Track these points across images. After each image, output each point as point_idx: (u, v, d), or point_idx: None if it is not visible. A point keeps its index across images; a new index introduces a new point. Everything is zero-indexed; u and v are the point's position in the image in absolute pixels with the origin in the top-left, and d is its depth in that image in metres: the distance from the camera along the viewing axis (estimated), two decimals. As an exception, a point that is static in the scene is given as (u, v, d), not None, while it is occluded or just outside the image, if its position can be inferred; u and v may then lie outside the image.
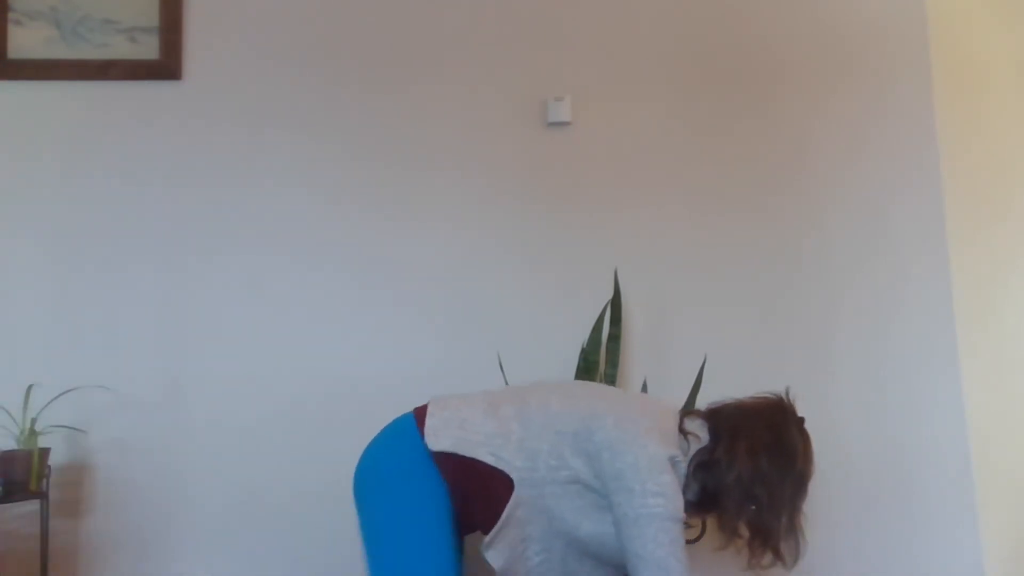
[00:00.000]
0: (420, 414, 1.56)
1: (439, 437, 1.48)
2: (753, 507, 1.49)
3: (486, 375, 2.10)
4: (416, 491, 1.49)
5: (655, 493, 1.41)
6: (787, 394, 1.60)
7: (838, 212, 2.27)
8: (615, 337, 2.07)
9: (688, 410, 1.64)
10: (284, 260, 2.21)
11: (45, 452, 1.92)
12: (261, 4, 2.30)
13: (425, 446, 1.49)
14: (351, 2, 2.31)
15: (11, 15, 2.22)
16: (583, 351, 2.09)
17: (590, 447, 1.45)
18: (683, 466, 1.49)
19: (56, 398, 2.02)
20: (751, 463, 1.48)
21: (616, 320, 2.08)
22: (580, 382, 1.78)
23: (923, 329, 2.21)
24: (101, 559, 2.06)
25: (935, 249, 2.23)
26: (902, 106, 2.30)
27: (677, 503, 1.42)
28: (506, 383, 2.04)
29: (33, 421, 1.93)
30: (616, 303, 2.10)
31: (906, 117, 2.29)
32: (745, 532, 1.52)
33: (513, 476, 1.45)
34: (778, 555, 1.52)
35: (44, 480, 1.90)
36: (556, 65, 2.31)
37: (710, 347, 2.12)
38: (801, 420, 1.59)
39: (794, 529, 1.52)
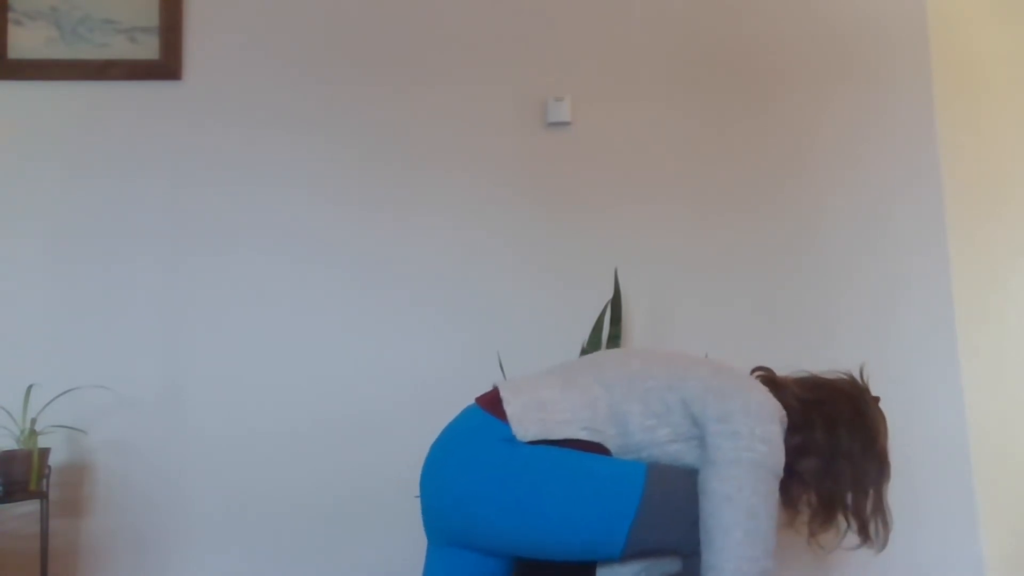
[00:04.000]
0: (491, 403, 1.40)
1: (525, 425, 1.32)
2: (837, 485, 1.45)
3: (486, 375, 2.10)
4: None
5: (763, 439, 1.29)
6: (861, 373, 1.59)
7: (838, 212, 2.27)
8: (615, 337, 2.07)
9: (763, 373, 1.56)
10: (284, 260, 2.21)
11: (45, 452, 1.92)
12: (261, 4, 2.30)
13: (514, 436, 1.32)
14: (351, 2, 2.31)
15: (11, 15, 2.22)
16: (583, 351, 2.09)
17: (687, 394, 1.35)
18: (786, 420, 1.39)
19: (56, 398, 2.02)
20: (831, 435, 1.45)
21: (616, 320, 2.08)
22: (653, 348, 1.66)
23: (923, 329, 2.21)
24: (101, 559, 2.06)
25: (935, 249, 2.23)
26: (902, 106, 2.30)
27: (780, 456, 1.32)
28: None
29: (33, 421, 1.93)
30: (616, 303, 2.09)
31: (906, 117, 2.29)
32: (822, 512, 1.49)
33: (609, 446, 1.34)
34: (865, 535, 1.49)
35: (44, 480, 1.90)
36: (556, 65, 2.31)
37: (710, 347, 2.12)
38: (877, 399, 1.56)
39: (881, 510, 1.49)
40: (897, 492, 2.17)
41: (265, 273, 2.20)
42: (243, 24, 2.29)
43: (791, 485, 1.47)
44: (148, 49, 2.25)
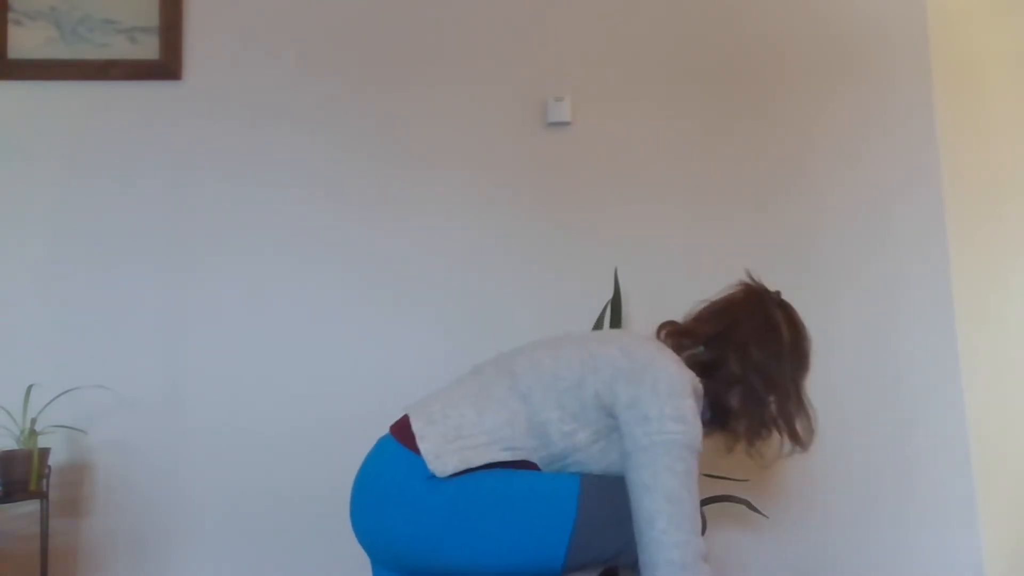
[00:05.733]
0: (403, 434, 1.36)
1: (444, 461, 1.29)
2: (761, 404, 1.43)
3: (486, 375, 2.10)
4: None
5: (674, 418, 1.27)
6: (750, 276, 1.57)
7: (838, 212, 2.27)
8: (615, 337, 2.07)
9: (670, 328, 1.53)
10: (284, 260, 2.21)
11: (45, 452, 1.92)
12: (261, 4, 2.30)
13: (433, 474, 1.29)
14: (351, 2, 2.31)
15: (11, 15, 2.22)
16: (583, 351, 2.09)
17: (598, 385, 1.32)
18: (700, 387, 1.38)
19: (56, 398, 2.02)
20: (744, 360, 1.43)
21: (616, 320, 2.08)
22: (558, 335, 1.53)
23: (923, 329, 2.21)
24: (101, 559, 2.06)
25: (935, 249, 2.23)
26: (902, 106, 2.30)
27: (696, 430, 1.29)
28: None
29: (33, 421, 1.93)
30: (616, 303, 2.09)
31: (906, 117, 2.29)
32: (756, 430, 1.46)
33: (535, 459, 1.32)
34: (795, 439, 1.45)
35: (44, 480, 1.90)
36: (556, 65, 2.31)
37: (710, 347, 2.12)
38: (777, 294, 1.53)
39: (803, 406, 1.46)
40: (897, 492, 2.18)
41: (265, 273, 2.20)
42: (243, 24, 2.29)
43: (727, 420, 1.47)
44: (148, 49, 2.25)
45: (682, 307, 2.22)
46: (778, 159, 2.30)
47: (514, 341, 2.16)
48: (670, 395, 1.29)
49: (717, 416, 1.46)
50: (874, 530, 2.15)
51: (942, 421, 2.17)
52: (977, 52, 2.46)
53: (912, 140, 2.28)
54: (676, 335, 1.50)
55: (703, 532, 1.85)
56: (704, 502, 1.93)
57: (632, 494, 1.28)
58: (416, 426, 1.34)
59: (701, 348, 1.46)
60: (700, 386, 1.38)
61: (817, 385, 2.16)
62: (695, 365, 1.43)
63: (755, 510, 2.01)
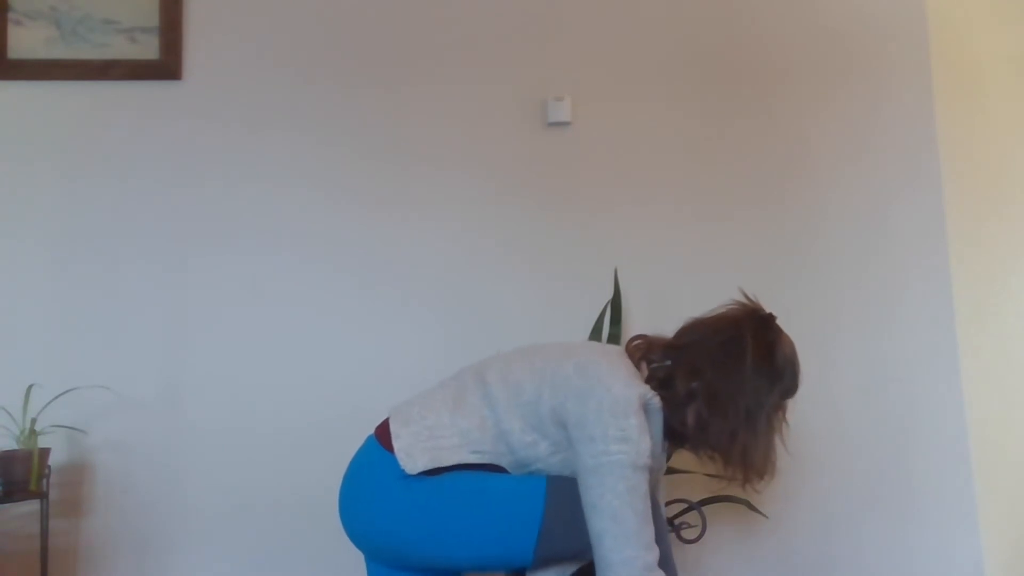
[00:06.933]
0: (384, 436, 1.44)
1: (414, 458, 1.37)
2: (704, 427, 1.39)
3: (486, 375, 2.10)
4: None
5: (617, 439, 1.30)
6: (744, 294, 1.50)
7: (838, 212, 2.27)
8: (615, 337, 2.07)
9: (639, 341, 1.49)
10: (284, 260, 2.21)
11: (45, 452, 1.92)
12: (261, 4, 2.30)
13: (404, 472, 1.37)
14: (351, 2, 2.31)
15: (11, 15, 2.22)
16: (583, 351, 2.09)
17: (554, 401, 1.36)
18: (656, 401, 1.37)
19: (56, 398, 2.02)
20: (691, 381, 1.39)
21: (616, 320, 2.08)
22: (539, 344, 1.55)
23: (923, 329, 2.21)
24: (101, 559, 2.06)
25: (935, 249, 2.23)
26: (902, 106, 2.30)
27: (641, 448, 1.31)
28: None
29: (33, 421, 1.93)
30: (616, 303, 2.09)
31: (906, 117, 2.29)
32: (715, 458, 1.42)
33: (503, 463, 1.39)
34: (746, 472, 1.39)
35: (44, 480, 1.90)
36: (556, 65, 2.31)
37: (710, 347, 2.12)
38: (768, 317, 1.45)
39: (758, 437, 1.39)
40: (897, 491, 2.18)
41: (265, 273, 2.20)
42: (243, 24, 2.29)
43: (682, 439, 1.45)
44: (148, 49, 2.25)
45: (682, 307, 2.23)
46: (778, 159, 2.30)
47: (513, 341, 2.16)
48: (613, 415, 1.32)
49: (670, 433, 1.44)
50: (874, 530, 2.15)
51: (942, 421, 2.17)
52: (977, 53, 2.46)
53: (912, 140, 2.28)
54: (642, 348, 1.48)
55: (703, 532, 1.86)
56: (704, 502, 1.93)
57: (584, 512, 1.32)
58: (393, 427, 1.42)
59: (668, 362, 1.44)
60: (656, 401, 1.38)
61: (817, 385, 2.18)
62: (654, 379, 1.42)
63: (755, 510, 2.02)
